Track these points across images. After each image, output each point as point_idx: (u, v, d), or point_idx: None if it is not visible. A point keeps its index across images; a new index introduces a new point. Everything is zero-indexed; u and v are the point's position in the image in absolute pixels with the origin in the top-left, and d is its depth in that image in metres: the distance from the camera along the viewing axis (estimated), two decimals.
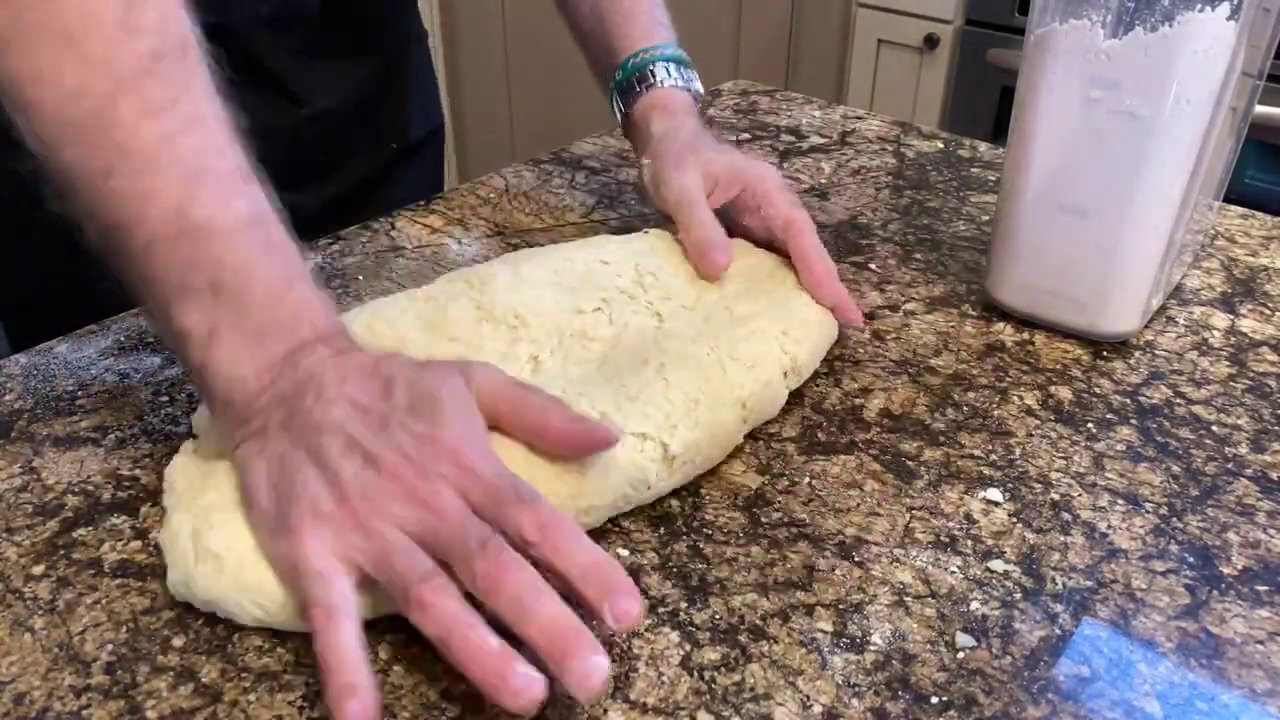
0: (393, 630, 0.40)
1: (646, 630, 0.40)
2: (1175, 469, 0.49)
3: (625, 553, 0.44)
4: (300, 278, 0.43)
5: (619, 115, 0.68)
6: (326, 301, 0.43)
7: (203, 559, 0.40)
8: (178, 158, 0.40)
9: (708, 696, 0.37)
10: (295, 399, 0.40)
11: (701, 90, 0.68)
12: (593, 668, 0.34)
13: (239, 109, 0.44)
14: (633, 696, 0.37)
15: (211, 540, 0.40)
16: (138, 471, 0.48)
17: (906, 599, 0.42)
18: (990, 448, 0.50)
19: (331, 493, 0.38)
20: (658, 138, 0.63)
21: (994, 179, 0.79)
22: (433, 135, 0.88)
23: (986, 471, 0.49)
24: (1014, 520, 0.46)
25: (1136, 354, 0.58)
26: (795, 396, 0.53)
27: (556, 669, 0.34)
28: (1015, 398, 0.54)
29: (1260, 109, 1.27)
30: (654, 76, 0.65)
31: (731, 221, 0.61)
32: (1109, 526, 0.45)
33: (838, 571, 0.43)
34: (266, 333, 0.41)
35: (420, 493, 0.37)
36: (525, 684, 0.34)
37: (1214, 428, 0.52)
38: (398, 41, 0.80)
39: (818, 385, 0.54)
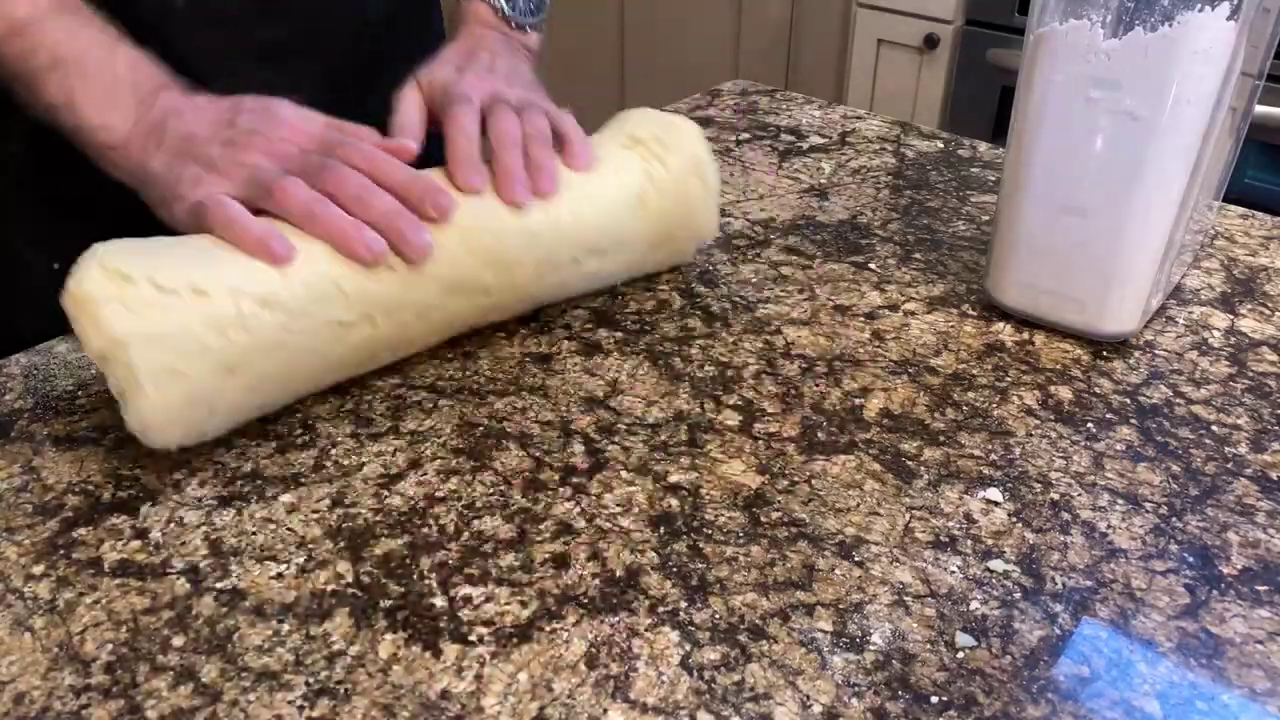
0: (392, 630, 0.40)
1: (646, 630, 0.40)
2: (1175, 469, 0.49)
3: (626, 553, 0.44)
4: (119, 40, 0.54)
5: None
6: (149, 57, 0.54)
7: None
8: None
9: (708, 696, 0.37)
10: (161, 129, 0.52)
11: (521, 7, 0.70)
12: (424, 239, 0.50)
13: None
14: (632, 696, 0.37)
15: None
16: (138, 471, 0.48)
17: (906, 599, 0.42)
18: (990, 448, 0.50)
19: (204, 168, 0.51)
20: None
21: (994, 179, 0.79)
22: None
23: (986, 471, 0.49)
24: (1014, 520, 0.46)
25: (1136, 354, 0.58)
26: (795, 396, 0.53)
27: (396, 240, 0.49)
28: (1015, 398, 0.54)
29: (1260, 109, 1.27)
30: None
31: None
32: (1109, 526, 0.45)
33: (838, 571, 0.43)
34: (115, 87, 0.53)
35: (270, 148, 0.51)
36: (374, 240, 0.49)
37: (1214, 428, 0.52)
38: (358, 25, 0.75)
39: (818, 385, 0.54)
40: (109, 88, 0.52)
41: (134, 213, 0.52)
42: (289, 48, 0.68)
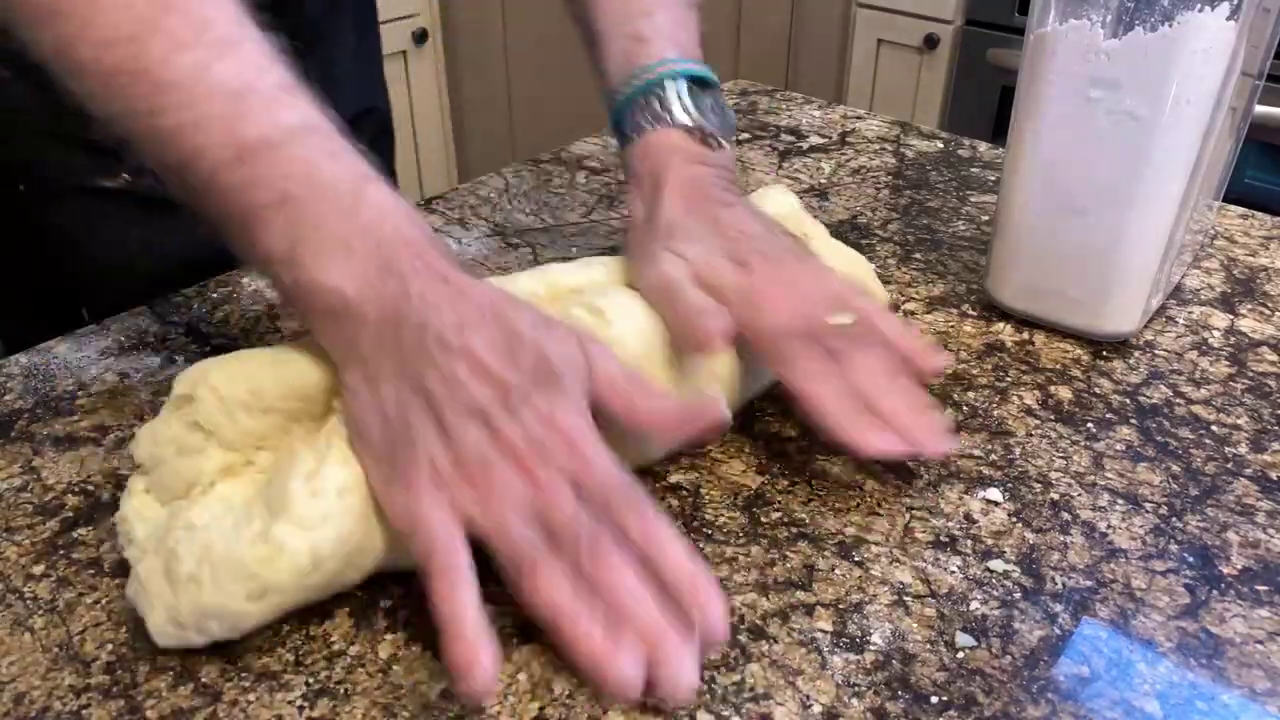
0: (392, 630, 0.40)
1: None
2: (1175, 469, 0.49)
3: None
4: (370, 180, 0.42)
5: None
6: (405, 203, 0.42)
7: (181, 585, 0.37)
8: (218, 84, 0.40)
9: (708, 696, 0.37)
10: (410, 331, 0.39)
11: (714, 121, 0.54)
12: (685, 672, 0.36)
13: None
14: None
15: (185, 563, 0.37)
16: None
17: (906, 599, 0.42)
18: (990, 447, 0.50)
19: (449, 454, 0.38)
20: (634, 216, 0.52)
21: (994, 179, 0.79)
22: (364, 116, 0.78)
23: (986, 471, 0.49)
24: (1014, 520, 0.46)
25: (1136, 354, 0.58)
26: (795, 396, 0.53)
27: (654, 668, 0.36)
28: (1015, 397, 0.54)
29: (1260, 109, 1.27)
30: (658, 109, 0.53)
31: None
32: (1109, 526, 0.45)
33: (838, 571, 0.43)
34: (351, 238, 0.40)
35: (538, 476, 0.38)
36: (628, 676, 0.36)
37: (1214, 428, 0.52)
38: (294, 21, 0.68)
39: None
40: (348, 241, 0.40)
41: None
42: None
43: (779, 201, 0.57)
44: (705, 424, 0.42)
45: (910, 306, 0.62)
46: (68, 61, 0.40)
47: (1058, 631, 0.40)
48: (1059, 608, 0.41)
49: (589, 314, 0.46)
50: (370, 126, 0.81)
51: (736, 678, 0.38)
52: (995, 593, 0.42)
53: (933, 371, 0.48)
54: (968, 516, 0.46)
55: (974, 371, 0.56)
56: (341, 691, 0.38)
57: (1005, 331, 0.60)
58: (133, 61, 0.39)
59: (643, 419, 0.41)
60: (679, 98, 0.53)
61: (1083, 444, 0.51)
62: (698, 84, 0.54)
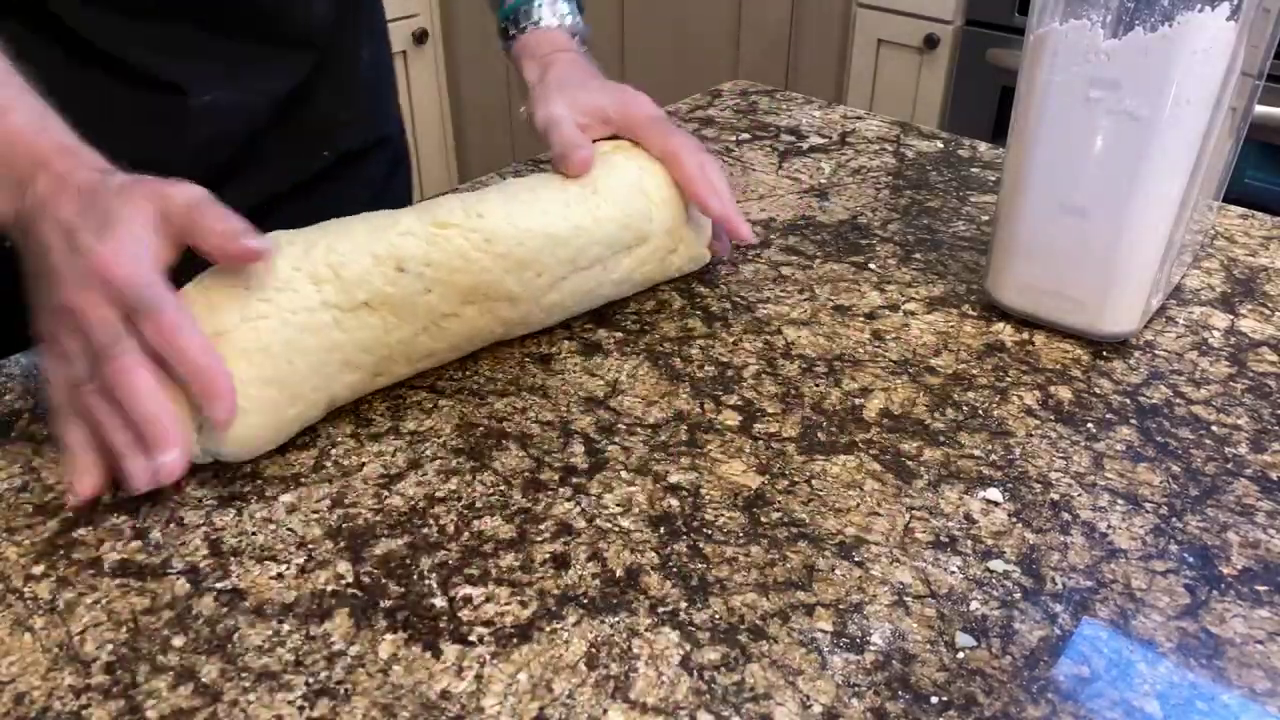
0: (392, 630, 0.40)
1: (646, 630, 0.40)
2: (1175, 469, 0.49)
3: (626, 553, 0.44)
4: (8, 110, 0.49)
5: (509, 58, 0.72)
6: (45, 122, 0.49)
7: None
8: None
9: (708, 696, 0.37)
10: (28, 222, 0.47)
11: (580, 23, 0.71)
12: (170, 461, 0.44)
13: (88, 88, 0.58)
14: (633, 696, 0.37)
15: None
16: None
17: (906, 599, 0.42)
18: (990, 448, 0.50)
19: (51, 290, 0.46)
20: (531, 85, 0.67)
21: (994, 179, 0.79)
22: (379, 145, 0.81)
23: (986, 471, 0.49)
24: (1014, 520, 0.46)
25: (1136, 354, 0.58)
26: (795, 397, 0.53)
27: (149, 452, 0.44)
28: (1015, 398, 0.54)
29: (1260, 109, 1.27)
30: (528, 17, 0.69)
31: None
32: (1109, 526, 0.45)
33: (838, 571, 0.43)
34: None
35: (74, 303, 0.45)
36: (88, 479, 0.45)
37: (1214, 428, 0.52)
38: (316, 37, 0.71)
39: (818, 385, 0.54)
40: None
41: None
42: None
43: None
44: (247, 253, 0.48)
45: (910, 306, 0.62)
46: None
47: (1058, 632, 0.40)
48: (1059, 608, 0.41)
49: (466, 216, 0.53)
50: (385, 156, 0.82)
51: (736, 678, 0.38)
52: (995, 593, 0.42)
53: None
54: (968, 516, 0.46)
55: (974, 371, 0.56)
56: (341, 691, 0.38)
57: (1005, 331, 0.60)
58: None
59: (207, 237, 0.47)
60: (540, 11, 0.70)
61: (1083, 444, 0.51)
62: None
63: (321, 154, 0.75)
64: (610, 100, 0.64)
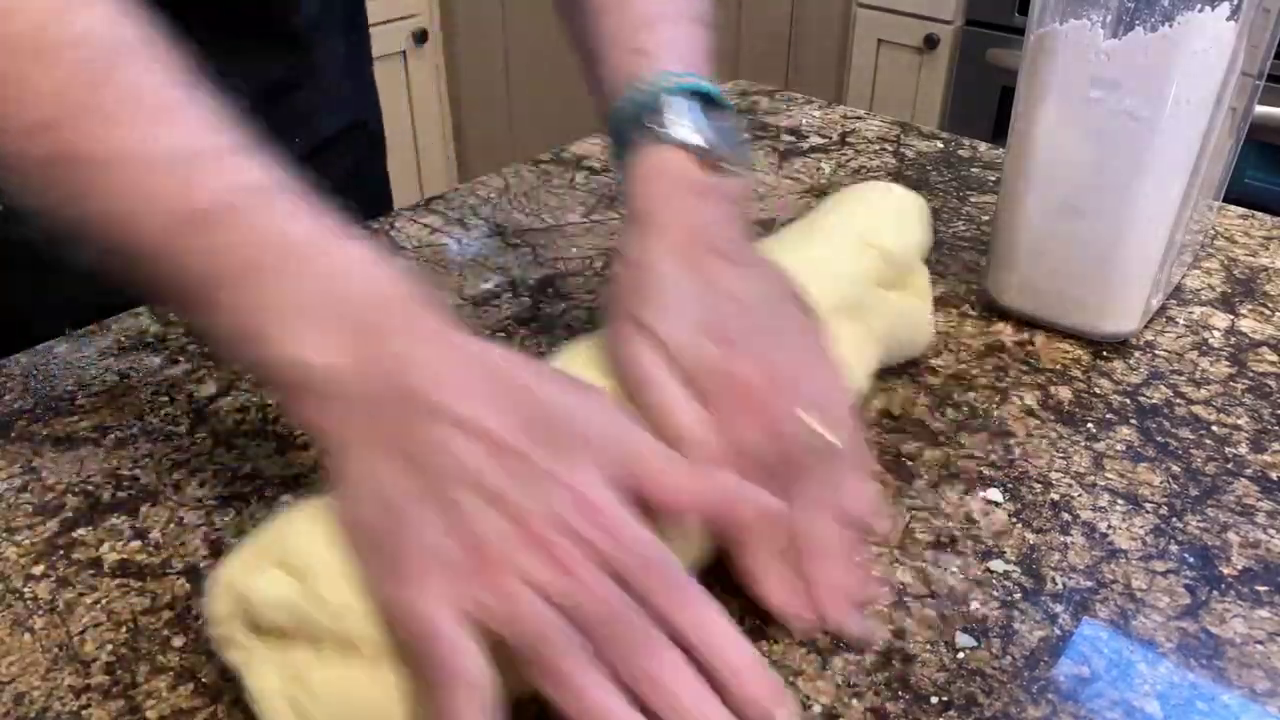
0: None
1: None
2: (1175, 469, 0.49)
3: None
4: (338, 237, 0.36)
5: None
6: (382, 256, 0.37)
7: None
8: (160, 154, 0.36)
9: None
10: (392, 399, 0.33)
11: (724, 144, 0.46)
12: None
13: None
14: None
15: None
16: (137, 471, 0.48)
17: (906, 599, 0.42)
18: (990, 448, 0.50)
19: (451, 540, 0.32)
20: (624, 257, 0.44)
21: (994, 179, 0.79)
22: (351, 130, 0.76)
23: (986, 471, 0.49)
24: (1014, 520, 0.46)
25: (1136, 354, 0.58)
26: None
27: None
28: (1015, 398, 0.54)
29: (1260, 109, 1.27)
30: (656, 125, 0.46)
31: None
32: (1109, 526, 0.45)
33: None
34: (316, 303, 0.35)
35: (562, 557, 0.31)
36: None
37: (1214, 428, 0.52)
38: (300, 34, 0.67)
39: None
40: (310, 302, 0.35)
41: None
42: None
43: (872, 202, 0.52)
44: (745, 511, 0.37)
45: None
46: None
47: (1058, 632, 0.40)
48: (1059, 608, 0.41)
49: None
50: (359, 142, 0.80)
51: None
52: (995, 593, 0.42)
53: (876, 534, 0.43)
54: (968, 517, 0.46)
55: (974, 371, 0.56)
56: None
57: (1005, 331, 0.60)
58: (64, 145, 0.36)
59: (684, 503, 0.36)
60: (680, 112, 0.45)
61: (1083, 444, 0.51)
62: (706, 102, 0.47)
63: (294, 142, 0.71)
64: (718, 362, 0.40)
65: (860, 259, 0.50)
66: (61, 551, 0.44)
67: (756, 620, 0.40)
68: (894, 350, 0.53)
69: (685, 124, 0.45)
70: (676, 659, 0.32)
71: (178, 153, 0.36)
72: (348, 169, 0.78)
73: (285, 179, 0.37)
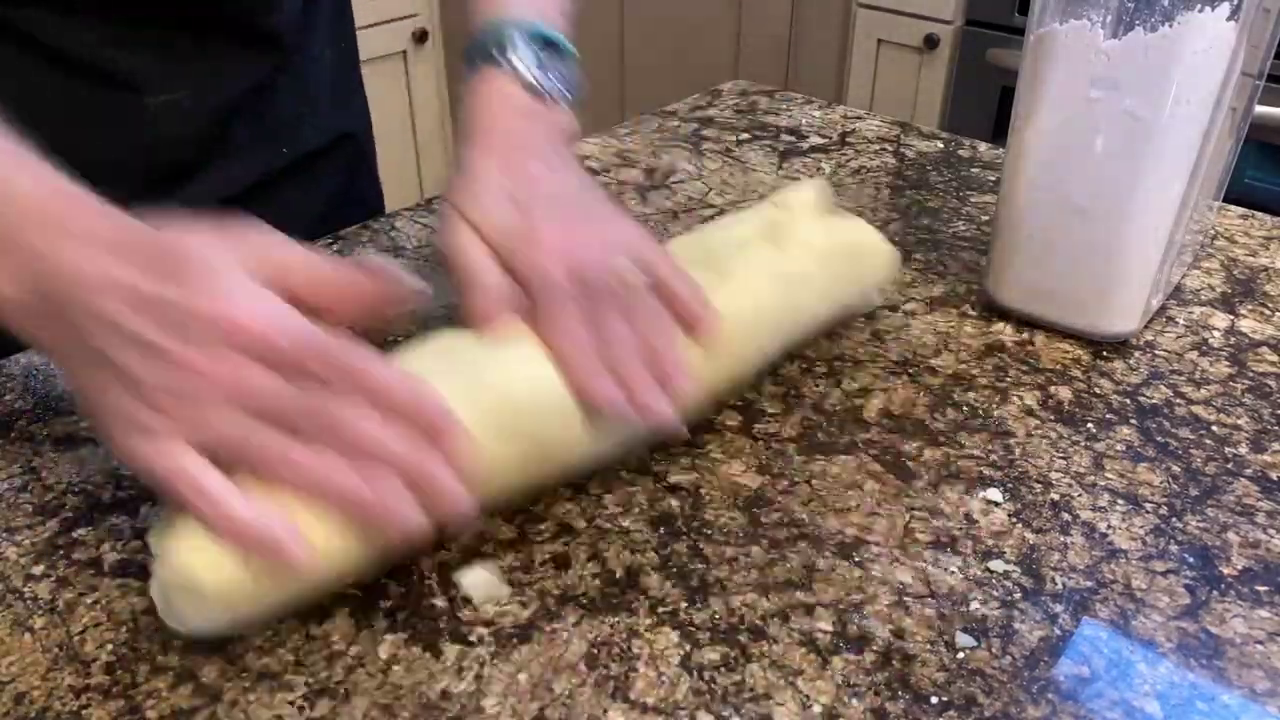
0: (392, 630, 0.40)
1: (646, 630, 0.40)
2: (1175, 469, 0.49)
3: (626, 553, 0.44)
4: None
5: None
6: (18, 156, 0.40)
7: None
8: None
9: (708, 696, 0.37)
10: (55, 309, 0.38)
11: (554, 81, 0.54)
12: (449, 489, 0.38)
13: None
14: (632, 696, 0.37)
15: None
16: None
17: (906, 599, 0.42)
18: (990, 448, 0.50)
19: (137, 397, 0.37)
20: (456, 164, 0.51)
21: (994, 179, 0.79)
22: (341, 142, 0.76)
23: (986, 471, 0.49)
24: (1014, 520, 0.46)
25: (1136, 354, 0.58)
26: (795, 396, 0.53)
27: (427, 496, 0.38)
28: (1015, 398, 0.54)
29: (1260, 109, 1.27)
30: (494, 53, 0.53)
31: None
32: (1109, 526, 0.45)
33: (838, 571, 0.43)
34: None
35: (220, 372, 0.37)
36: (411, 521, 0.38)
37: (1214, 428, 0.52)
38: (281, 37, 0.68)
39: (818, 385, 0.54)
40: None
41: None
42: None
43: (798, 193, 0.56)
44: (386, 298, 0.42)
45: (910, 306, 0.62)
46: None
47: (1058, 632, 0.40)
48: (1059, 608, 0.41)
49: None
50: (346, 154, 0.78)
51: (736, 678, 0.38)
52: (995, 593, 0.42)
53: (700, 330, 0.47)
54: (968, 517, 0.46)
55: (974, 371, 0.56)
56: (341, 691, 0.38)
57: (1005, 331, 0.60)
58: None
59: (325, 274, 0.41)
60: (518, 47, 0.53)
61: (1083, 444, 0.51)
62: (548, 46, 0.54)
63: (280, 151, 0.71)
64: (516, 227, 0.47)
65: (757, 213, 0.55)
66: (61, 551, 0.44)
67: (756, 620, 0.40)
68: (844, 275, 0.55)
69: (521, 58, 0.53)
70: (360, 410, 0.38)
71: None
72: (340, 184, 0.78)
73: None
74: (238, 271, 0.39)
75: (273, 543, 0.36)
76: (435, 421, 0.39)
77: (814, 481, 0.48)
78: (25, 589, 0.42)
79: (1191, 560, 0.44)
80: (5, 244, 0.39)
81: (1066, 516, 0.46)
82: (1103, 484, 0.48)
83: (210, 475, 0.37)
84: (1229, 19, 0.49)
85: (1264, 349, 0.58)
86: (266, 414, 0.37)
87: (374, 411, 0.38)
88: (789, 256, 0.52)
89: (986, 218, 0.73)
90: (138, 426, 0.37)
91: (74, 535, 0.44)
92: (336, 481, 0.37)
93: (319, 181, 0.75)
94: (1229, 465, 0.49)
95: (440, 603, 0.41)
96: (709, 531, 0.45)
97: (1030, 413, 0.53)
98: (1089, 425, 0.52)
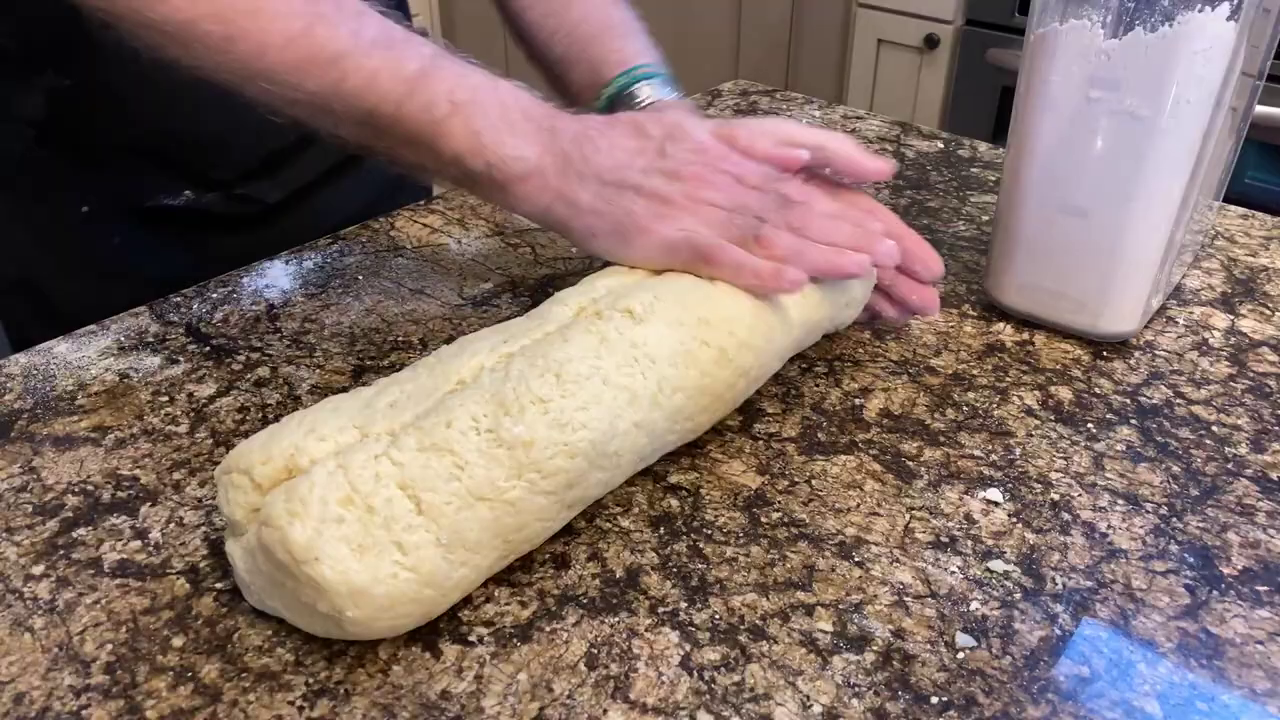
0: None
1: (646, 630, 0.40)
2: (1175, 469, 0.49)
3: (626, 553, 0.44)
4: (491, 74, 0.52)
5: None
6: (521, 86, 0.53)
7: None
8: (370, 41, 0.50)
9: (708, 696, 0.37)
10: (575, 158, 0.51)
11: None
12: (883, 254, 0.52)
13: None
14: (632, 696, 0.37)
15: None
16: (137, 471, 0.48)
17: (906, 599, 0.42)
18: (990, 448, 0.50)
19: (657, 200, 0.50)
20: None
21: (994, 179, 0.79)
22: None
23: (986, 471, 0.49)
24: (1014, 520, 0.46)
25: (1136, 354, 0.58)
26: (795, 396, 0.53)
27: (871, 252, 0.51)
28: (1015, 398, 0.54)
29: (1260, 109, 1.27)
30: (639, 95, 0.64)
31: None
32: (1109, 526, 0.45)
33: (838, 571, 0.43)
34: (509, 118, 0.51)
35: (723, 186, 0.51)
36: (859, 258, 0.51)
37: (1214, 428, 0.52)
38: None
39: (818, 385, 0.54)
40: (510, 121, 0.51)
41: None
42: None
43: None
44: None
45: None
46: (254, 72, 0.49)
47: (1058, 632, 0.40)
48: (1059, 608, 0.41)
49: (622, 315, 0.46)
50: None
51: (736, 678, 0.38)
52: (995, 593, 0.42)
53: (874, 173, 0.55)
54: (968, 517, 0.46)
55: (974, 371, 0.56)
56: (341, 691, 0.38)
57: (1005, 331, 0.60)
58: (311, 48, 0.49)
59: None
60: (655, 88, 0.64)
61: (1083, 444, 0.51)
62: (662, 83, 0.65)
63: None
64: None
65: None
66: (61, 551, 0.44)
67: (756, 620, 0.40)
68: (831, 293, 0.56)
69: (659, 94, 0.65)
70: (810, 210, 0.52)
71: (381, 40, 0.50)
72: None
73: (438, 44, 0.53)
74: (703, 128, 0.53)
75: (777, 272, 0.48)
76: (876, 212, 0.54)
77: (814, 481, 0.48)
78: (25, 589, 0.42)
79: (1191, 560, 0.44)
80: (534, 124, 0.51)
81: (1066, 516, 0.46)
82: (1103, 484, 0.48)
83: (731, 246, 0.49)
84: (1229, 19, 0.49)
85: (1264, 349, 0.58)
86: (742, 206, 0.51)
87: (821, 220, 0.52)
88: None
89: (986, 218, 0.73)
90: (675, 224, 0.50)
91: (74, 535, 0.44)
92: (810, 249, 0.50)
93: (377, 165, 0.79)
94: (1229, 465, 0.49)
95: None
96: (709, 531, 0.45)
97: (1030, 413, 0.53)
98: (1089, 425, 0.52)
